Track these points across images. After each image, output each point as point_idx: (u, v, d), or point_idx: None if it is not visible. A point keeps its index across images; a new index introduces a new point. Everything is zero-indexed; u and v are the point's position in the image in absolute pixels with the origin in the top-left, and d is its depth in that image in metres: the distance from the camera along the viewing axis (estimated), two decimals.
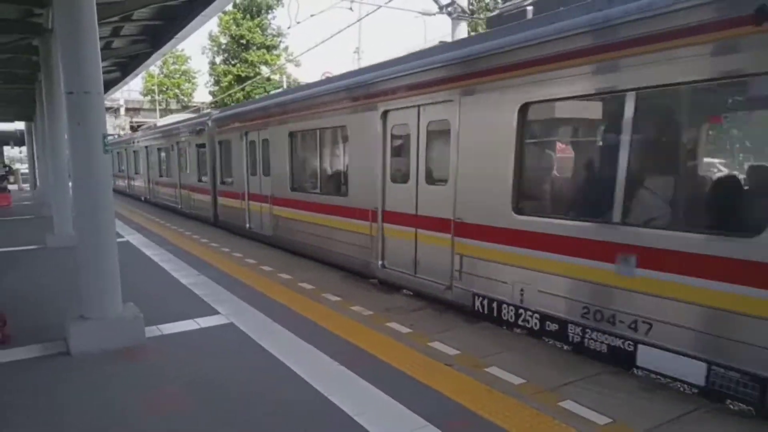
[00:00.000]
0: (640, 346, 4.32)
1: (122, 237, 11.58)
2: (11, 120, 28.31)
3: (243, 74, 41.28)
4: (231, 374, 4.36)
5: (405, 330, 5.39)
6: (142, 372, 4.45)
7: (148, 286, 7.16)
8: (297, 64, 44.28)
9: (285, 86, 36.81)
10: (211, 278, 7.56)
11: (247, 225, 11.96)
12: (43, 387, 4.13)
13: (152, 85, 49.62)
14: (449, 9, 13.05)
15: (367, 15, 47.70)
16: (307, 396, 3.92)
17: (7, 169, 39.88)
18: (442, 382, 4.11)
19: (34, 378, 4.30)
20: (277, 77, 42.94)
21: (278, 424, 3.55)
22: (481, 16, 16.51)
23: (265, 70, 42.00)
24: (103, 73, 15.19)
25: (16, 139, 38.56)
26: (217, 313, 5.93)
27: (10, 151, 56.73)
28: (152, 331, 5.27)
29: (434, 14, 14.11)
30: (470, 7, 14.97)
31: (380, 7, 16.58)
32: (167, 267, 8.42)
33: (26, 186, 32.01)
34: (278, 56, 43.65)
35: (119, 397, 3.96)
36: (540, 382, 4.15)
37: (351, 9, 18.22)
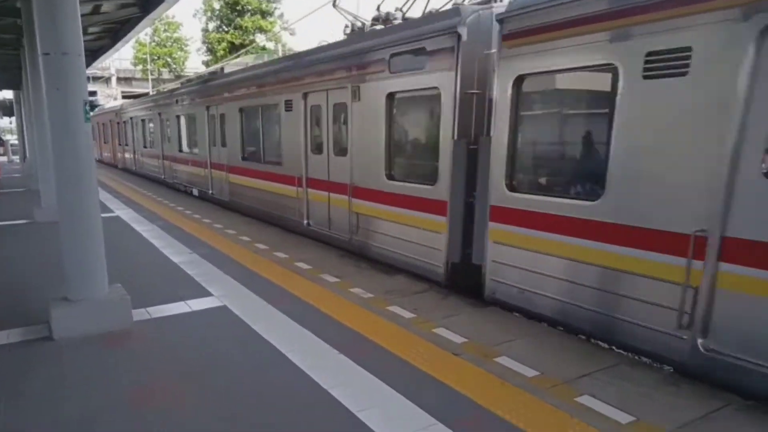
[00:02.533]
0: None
1: (112, 212, 11.22)
2: None
3: (237, 42, 40.24)
4: (223, 363, 4.08)
5: (408, 315, 5.11)
6: (128, 359, 4.15)
7: (136, 266, 6.84)
8: (292, 33, 43.25)
9: (280, 55, 35.92)
10: (203, 256, 7.25)
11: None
12: (23, 374, 3.84)
13: (143, 54, 48.44)
14: None
15: None
16: (305, 389, 3.64)
17: None
18: (451, 374, 3.84)
19: (13, 364, 4.01)
20: (272, 45, 41.93)
21: (275, 420, 3.28)
22: None
23: (260, 38, 40.98)
24: (93, 39, 14.54)
25: (6, 109, 37.72)
26: (209, 294, 5.63)
27: (0, 122, 55.84)
28: (140, 314, 4.97)
29: None
30: None
31: None
32: (157, 244, 8.09)
33: (16, 158, 31.36)
34: (273, 23, 42.55)
35: (103, 386, 3.68)
36: (555, 374, 3.88)
37: None
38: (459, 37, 5.54)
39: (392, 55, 6.53)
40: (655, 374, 3.95)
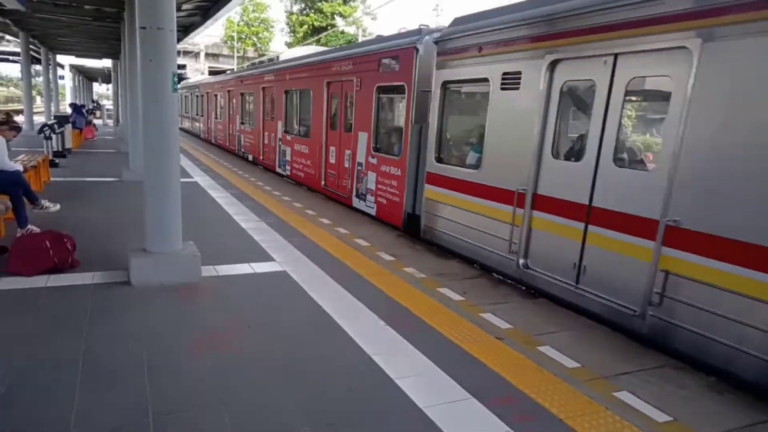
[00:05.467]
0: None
1: (191, 177, 11.97)
2: (99, 57, 29.57)
3: (318, 25, 41.06)
4: (279, 322, 4.38)
5: (457, 297, 5.23)
6: (194, 309, 4.55)
7: (208, 227, 7.35)
8: (373, 18, 43.62)
9: (359, 39, 36.33)
10: (270, 225, 7.66)
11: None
12: (102, 312, 4.30)
13: (232, 31, 50.43)
14: None
15: None
16: (352, 353, 3.86)
17: (95, 104, 42.26)
18: (491, 356, 3.94)
19: (94, 302, 4.49)
20: (352, 30, 42.46)
21: (320, 376, 3.52)
22: None
23: (340, 22, 41.60)
24: (185, 16, 15.39)
25: (104, 76, 40.59)
26: (272, 260, 5.99)
27: (99, 88, 60.09)
28: (208, 270, 5.39)
29: None
30: None
31: None
32: (230, 210, 8.61)
33: (110, 122, 33.79)
34: (355, 8, 43.02)
35: (169, 332, 4.06)
36: (595, 369, 3.90)
37: None
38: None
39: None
40: (699, 380, 3.88)
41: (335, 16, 42.32)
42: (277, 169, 14.25)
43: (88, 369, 3.40)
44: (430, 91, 7.38)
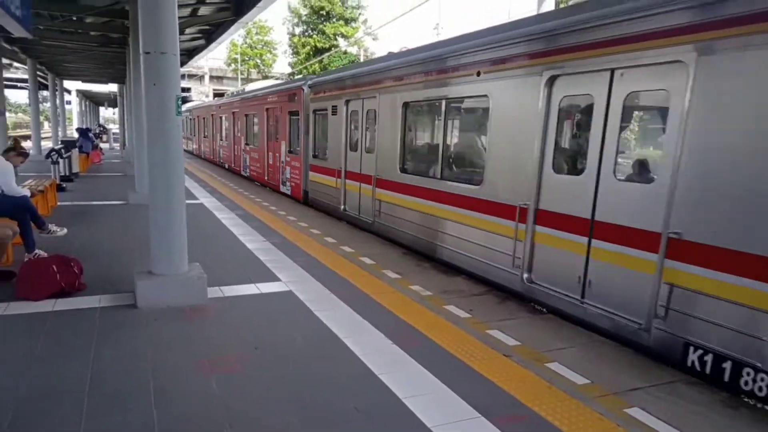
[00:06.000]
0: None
1: (197, 199, 12.04)
2: (105, 82, 30.03)
3: (320, 46, 41.56)
4: (285, 342, 4.36)
5: (463, 314, 5.20)
6: (200, 330, 4.54)
7: (214, 248, 7.37)
8: (374, 38, 44.14)
9: (362, 59, 36.72)
10: (275, 245, 7.68)
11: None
12: (109, 335, 4.30)
13: (236, 54, 51.10)
14: None
15: None
16: (358, 372, 3.84)
17: (101, 128, 42.73)
18: (499, 373, 3.90)
19: (102, 326, 4.49)
20: (354, 50, 42.92)
21: (327, 396, 3.49)
22: None
23: (342, 43, 42.09)
24: (189, 40, 15.65)
25: (110, 101, 41.10)
26: (277, 279, 5.99)
27: (105, 112, 60.79)
28: (214, 291, 5.39)
29: None
30: None
31: None
32: (235, 231, 8.64)
33: (116, 145, 34.12)
34: (356, 29, 43.57)
35: (175, 354, 4.05)
36: (606, 385, 3.85)
37: None
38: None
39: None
40: (712, 395, 3.82)
41: (337, 37, 42.84)
42: (242, 172, 19.24)
43: (95, 392, 3.39)
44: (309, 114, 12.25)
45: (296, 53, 44.79)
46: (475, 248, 6.61)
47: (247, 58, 51.34)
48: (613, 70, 4.78)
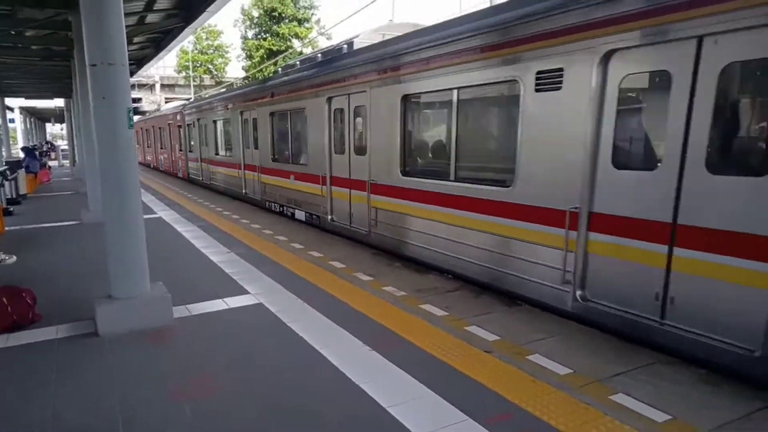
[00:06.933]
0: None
1: (154, 213, 11.62)
2: (50, 97, 28.79)
3: (275, 48, 40.96)
4: (259, 359, 4.19)
5: (440, 312, 5.13)
6: (168, 354, 4.32)
7: (177, 265, 7.08)
8: (328, 38, 43.70)
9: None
10: (241, 256, 7.44)
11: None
12: (70, 368, 4.04)
13: (186, 61, 49.87)
14: None
15: None
16: (339, 384, 3.70)
17: (49, 145, 41.04)
18: (482, 371, 3.84)
19: (61, 359, 4.22)
20: (308, 50, 42.46)
21: (308, 413, 3.35)
22: None
23: (296, 44, 41.60)
24: (138, 49, 15.14)
25: (57, 116, 39.51)
26: (246, 292, 5.78)
27: (52, 128, 58.48)
28: (180, 311, 5.15)
29: None
30: None
31: None
32: (197, 244, 8.34)
33: (66, 162, 32.80)
34: (310, 29, 43.14)
35: (144, 381, 3.83)
36: (588, 373, 3.83)
37: None
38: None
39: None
40: (692, 373, 3.85)
41: (291, 38, 42.29)
42: (159, 168, 25.33)
43: None
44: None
45: (250, 57, 43.99)
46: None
47: (197, 65, 50.16)
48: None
